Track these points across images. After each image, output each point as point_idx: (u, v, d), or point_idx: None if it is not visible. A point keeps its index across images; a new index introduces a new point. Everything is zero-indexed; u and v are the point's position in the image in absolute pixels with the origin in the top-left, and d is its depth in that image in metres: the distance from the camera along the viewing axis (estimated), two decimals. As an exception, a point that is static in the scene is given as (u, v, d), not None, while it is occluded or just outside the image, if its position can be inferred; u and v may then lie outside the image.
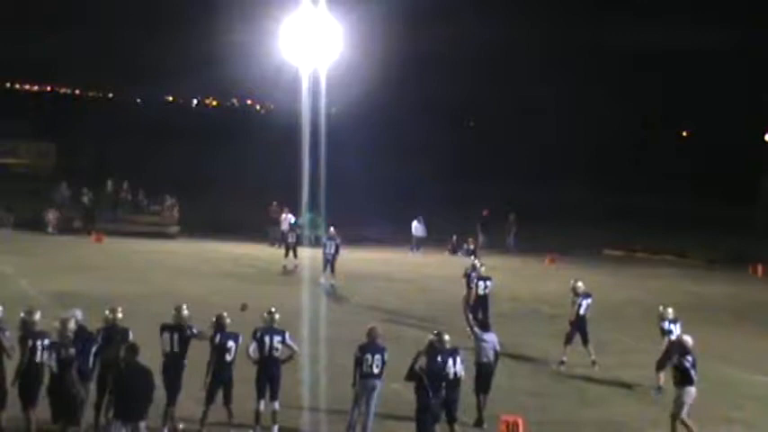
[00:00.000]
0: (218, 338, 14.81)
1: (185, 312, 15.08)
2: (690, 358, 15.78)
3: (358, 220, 43.81)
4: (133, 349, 12.92)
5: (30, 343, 14.02)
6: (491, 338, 16.81)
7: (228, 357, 14.81)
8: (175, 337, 14.80)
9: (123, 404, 12.43)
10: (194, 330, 14.93)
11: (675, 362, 15.91)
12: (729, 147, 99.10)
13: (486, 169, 78.80)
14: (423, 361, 14.53)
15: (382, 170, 63.77)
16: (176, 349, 14.77)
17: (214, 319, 15.04)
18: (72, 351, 13.89)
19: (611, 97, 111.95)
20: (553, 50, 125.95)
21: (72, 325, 14.25)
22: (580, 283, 21.40)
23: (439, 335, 15.06)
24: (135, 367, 12.70)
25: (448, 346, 15.00)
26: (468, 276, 24.39)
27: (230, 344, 14.81)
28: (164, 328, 14.96)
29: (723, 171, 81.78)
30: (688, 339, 16.10)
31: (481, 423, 16.27)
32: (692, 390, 15.68)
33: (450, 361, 14.88)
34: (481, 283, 23.57)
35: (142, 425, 12.54)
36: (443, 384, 14.41)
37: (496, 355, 16.80)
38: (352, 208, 44.70)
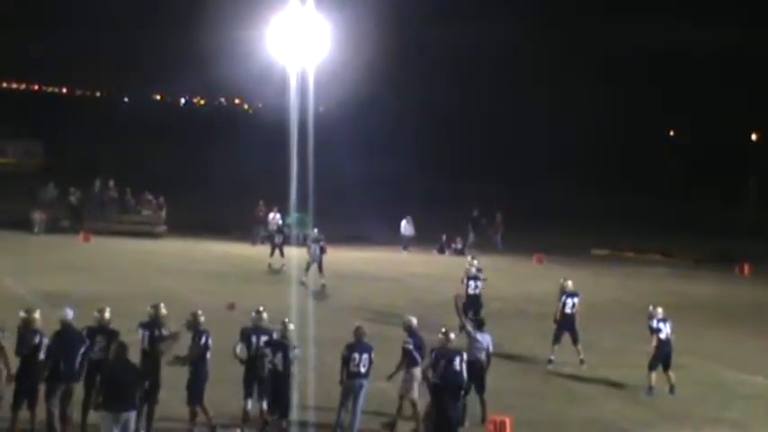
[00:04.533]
0: (202, 338, 14.78)
1: (162, 311, 15.06)
2: (411, 340, 15.81)
3: (346, 218, 43.82)
4: (122, 347, 13.23)
5: (36, 340, 14.00)
6: (484, 338, 16.79)
7: (209, 355, 14.83)
8: (146, 334, 14.77)
9: (110, 396, 12.54)
10: (163, 331, 14.89)
11: (403, 345, 15.97)
12: (717, 146, 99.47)
13: (475, 169, 78.87)
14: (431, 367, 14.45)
15: (370, 169, 63.74)
16: (147, 347, 14.73)
17: (191, 318, 14.98)
18: (297, 352, 14.67)
19: (599, 97, 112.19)
20: (542, 51, 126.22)
21: (292, 326, 14.89)
22: (569, 282, 21.43)
23: (445, 333, 15.05)
24: (122, 362, 12.95)
25: (451, 345, 14.98)
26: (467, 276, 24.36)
27: (211, 343, 14.84)
28: (140, 325, 14.96)
29: (711, 171, 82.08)
30: (413, 320, 16.10)
31: (463, 421, 16.26)
32: (416, 371, 15.62)
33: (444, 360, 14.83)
34: (471, 283, 23.57)
35: (133, 414, 12.58)
36: (462, 392, 14.01)
37: (488, 355, 16.77)
38: (340, 207, 44.69)
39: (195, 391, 14.72)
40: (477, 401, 16.48)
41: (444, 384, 13.69)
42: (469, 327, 17.05)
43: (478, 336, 16.75)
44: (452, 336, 15.08)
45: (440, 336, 15.04)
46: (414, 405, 15.60)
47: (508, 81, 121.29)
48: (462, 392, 13.85)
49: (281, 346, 14.71)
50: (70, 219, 39.82)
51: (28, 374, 14.04)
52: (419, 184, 64.74)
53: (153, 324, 14.94)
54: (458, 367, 14.59)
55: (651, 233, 50.61)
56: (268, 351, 14.78)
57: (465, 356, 14.93)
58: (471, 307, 22.75)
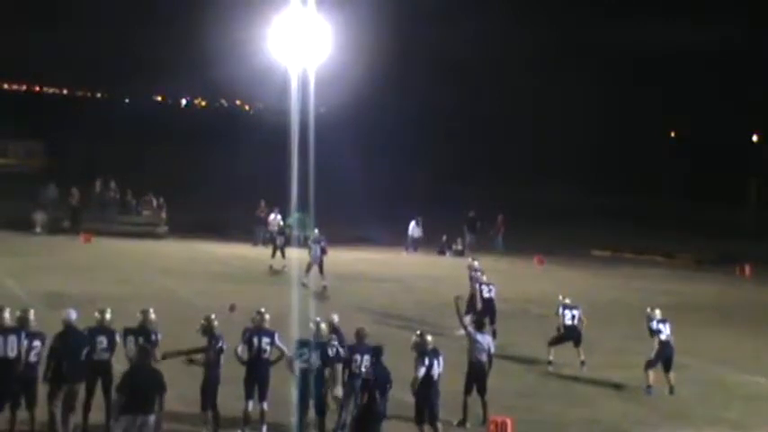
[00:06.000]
0: (216, 343, 14.79)
1: (152, 317, 15.04)
2: (335, 337, 15.63)
3: (346, 219, 43.83)
4: (144, 350, 13.35)
5: (25, 343, 13.98)
6: (485, 339, 16.83)
7: (222, 359, 14.85)
8: (140, 340, 14.66)
9: (129, 399, 12.52)
10: (158, 336, 14.89)
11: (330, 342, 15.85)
12: (717, 147, 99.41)
13: (476, 170, 78.91)
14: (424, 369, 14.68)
15: (371, 170, 63.79)
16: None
17: (205, 323, 14.99)
18: (335, 350, 14.96)
19: (599, 97, 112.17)
20: (541, 51, 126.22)
21: (324, 325, 15.22)
22: (568, 300, 21.47)
23: (421, 335, 15.14)
24: (143, 367, 12.94)
25: (430, 346, 15.04)
26: (471, 278, 24.47)
27: (225, 346, 14.85)
28: (127, 331, 14.82)
29: (711, 171, 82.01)
30: (335, 317, 16.13)
31: (464, 422, 16.31)
32: (340, 368, 15.41)
33: (435, 362, 14.91)
34: (485, 287, 23.64)
35: (151, 418, 12.60)
36: (388, 387, 14.24)
37: (490, 356, 16.79)
38: (341, 208, 44.71)
39: (209, 394, 14.74)
40: (478, 402, 16.51)
41: (374, 380, 14.01)
42: (470, 328, 17.08)
43: (479, 337, 16.77)
44: (429, 338, 15.12)
45: (415, 338, 15.07)
46: (336, 400, 15.55)
47: (508, 81, 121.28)
48: (389, 387, 14.12)
49: (317, 345, 14.85)
50: (70, 219, 39.85)
51: (20, 376, 14.00)
52: (420, 184, 64.74)
53: (141, 330, 14.89)
54: (440, 368, 14.88)
55: (651, 234, 50.64)
56: (305, 350, 14.89)
57: (441, 359, 15.03)
58: (487, 312, 22.81)
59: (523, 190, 69.02)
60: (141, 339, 14.59)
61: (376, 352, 14.51)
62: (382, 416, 14.03)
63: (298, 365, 14.97)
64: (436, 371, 14.87)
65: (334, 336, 15.60)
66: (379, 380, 14.07)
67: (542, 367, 20.95)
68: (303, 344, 15.16)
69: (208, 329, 14.91)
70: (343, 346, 15.52)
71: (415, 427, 14.90)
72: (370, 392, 13.90)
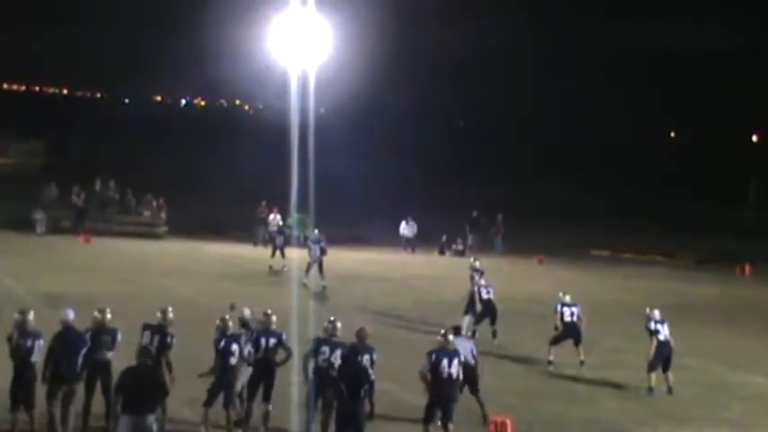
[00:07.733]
0: (222, 343, 14.75)
1: (170, 316, 15.08)
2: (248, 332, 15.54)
3: (346, 220, 43.82)
4: (145, 350, 13.28)
5: (28, 342, 13.98)
6: (462, 344, 16.24)
7: (233, 361, 14.78)
8: (156, 338, 14.75)
9: (130, 400, 12.49)
10: (174, 339, 14.94)
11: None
12: (717, 146, 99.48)
13: (475, 170, 78.92)
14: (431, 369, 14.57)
15: (371, 170, 63.79)
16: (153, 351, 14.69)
17: (220, 324, 14.95)
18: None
19: (599, 97, 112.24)
20: (542, 51, 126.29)
21: (339, 324, 15.05)
22: (568, 297, 21.47)
23: (444, 335, 15.03)
24: (142, 367, 12.87)
25: (451, 347, 14.92)
26: (471, 278, 24.48)
27: (234, 347, 14.79)
28: (146, 327, 14.99)
29: (711, 171, 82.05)
30: (246, 312, 15.78)
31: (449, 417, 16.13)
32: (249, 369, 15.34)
33: (446, 361, 14.80)
34: (483, 290, 23.65)
35: (151, 418, 12.58)
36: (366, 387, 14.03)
37: (475, 358, 16.47)
38: (341, 208, 44.69)
39: (213, 395, 14.70)
40: (475, 402, 16.48)
41: (343, 378, 13.90)
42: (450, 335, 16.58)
43: (457, 341, 16.39)
44: (451, 337, 15.07)
45: (438, 337, 15.04)
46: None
47: (508, 81, 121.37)
48: (367, 387, 13.94)
49: (338, 345, 14.71)
50: (74, 220, 39.82)
51: (22, 376, 14.02)
52: (420, 184, 64.73)
53: (160, 328, 14.96)
54: (454, 368, 14.65)
55: (652, 234, 50.63)
56: (325, 349, 14.74)
57: (462, 357, 14.95)
58: (488, 313, 22.87)
59: (523, 190, 69.01)
60: (158, 337, 14.67)
61: (351, 350, 14.33)
62: (358, 416, 13.71)
63: (312, 365, 14.85)
64: (446, 370, 14.67)
65: (245, 331, 15.36)
66: (348, 379, 13.83)
67: (542, 367, 20.95)
68: (322, 342, 14.96)
69: (222, 330, 14.89)
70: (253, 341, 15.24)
71: (421, 427, 14.77)
72: (340, 392, 13.74)
